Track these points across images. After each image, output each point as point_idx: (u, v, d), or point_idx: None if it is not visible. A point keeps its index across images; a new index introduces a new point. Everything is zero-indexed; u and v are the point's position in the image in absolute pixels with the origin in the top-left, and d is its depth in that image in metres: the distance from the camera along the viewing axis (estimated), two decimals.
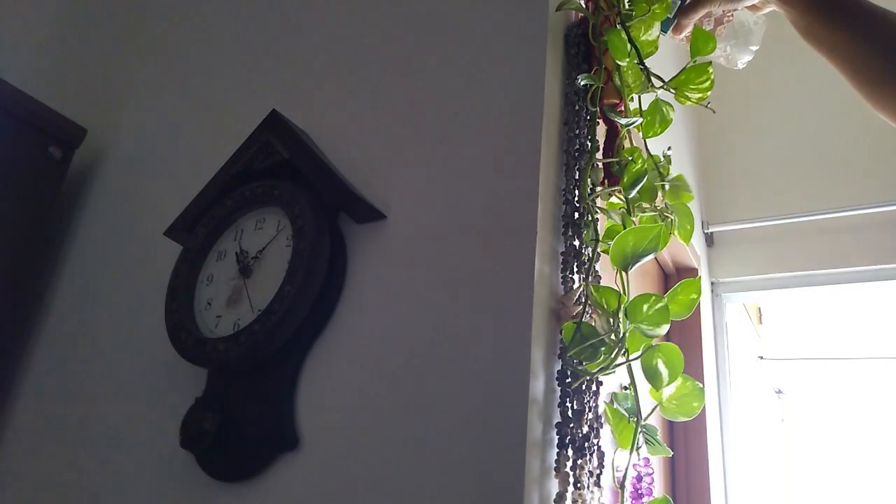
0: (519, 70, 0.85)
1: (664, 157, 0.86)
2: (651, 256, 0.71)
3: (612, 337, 0.70)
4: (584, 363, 0.71)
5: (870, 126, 1.85)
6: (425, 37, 0.98)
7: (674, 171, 0.86)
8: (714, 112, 0.88)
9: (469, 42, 0.93)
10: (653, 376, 0.71)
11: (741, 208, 2.02)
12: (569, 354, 0.71)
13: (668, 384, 0.71)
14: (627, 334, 0.70)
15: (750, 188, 2.05)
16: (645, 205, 0.83)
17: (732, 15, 0.85)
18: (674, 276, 1.77)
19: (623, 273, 0.72)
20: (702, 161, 2.14)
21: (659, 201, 0.84)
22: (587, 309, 0.73)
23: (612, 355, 0.69)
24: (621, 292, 0.73)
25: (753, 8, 0.84)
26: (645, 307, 0.69)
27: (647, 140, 0.86)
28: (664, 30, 0.86)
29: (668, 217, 0.84)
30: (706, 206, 2.07)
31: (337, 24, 1.11)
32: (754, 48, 0.86)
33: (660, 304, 0.69)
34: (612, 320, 0.71)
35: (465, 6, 0.96)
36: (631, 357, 0.72)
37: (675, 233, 0.85)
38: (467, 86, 0.89)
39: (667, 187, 0.85)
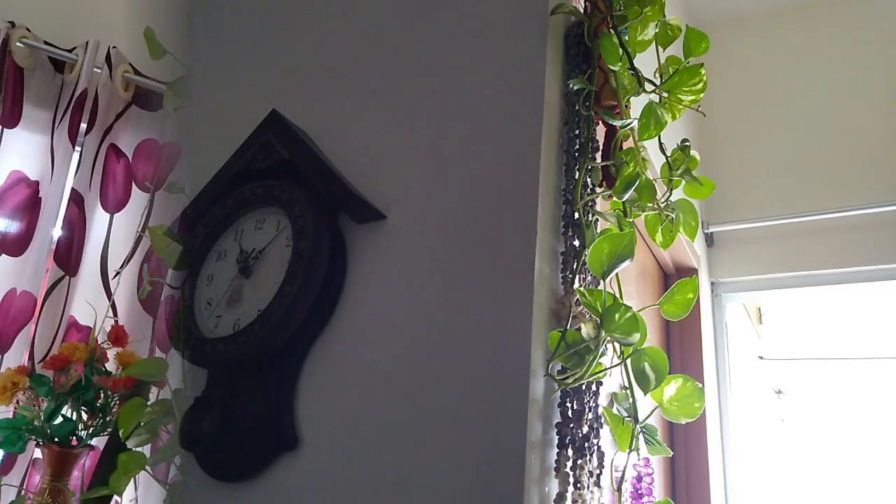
0: (519, 70, 0.85)
1: (681, 148, 0.84)
2: (627, 262, 0.71)
3: (597, 343, 0.70)
4: (569, 371, 0.70)
5: (870, 126, 1.85)
6: (425, 36, 0.98)
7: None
8: (704, 115, 0.88)
9: (469, 42, 0.92)
10: (641, 380, 0.72)
11: (741, 208, 2.02)
12: (554, 361, 0.70)
13: (654, 387, 0.71)
14: (603, 342, 0.70)
15: (750, 188, 2.05)
16: (645, 205, 0.82)
17: None
18: (674, 275, 1.77)
19: (602, 280, 0.72)
20: (702, 161, 2.13)
21: (661, 199, 0.84)
22: (585, 311, 0.73)
23: (591, 363, 0.69)
24: (616, 296, 0.72)
25: None
26: (616, 316, 0.69)
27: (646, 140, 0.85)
28: None
29: (669, 215, 0.83)
30: (706, 206, 2.07)
31: (337, 25, 1.11)
32: None
33: (629, 314, 0.69)
34: (597, 326, 0.70)
35: (465, 6, 0.96)
36: (615, 363, 0.72)
37: (681, 230, 0.84)
38: (467, 86, 0.89)
39: (682, 180, 0.83)
